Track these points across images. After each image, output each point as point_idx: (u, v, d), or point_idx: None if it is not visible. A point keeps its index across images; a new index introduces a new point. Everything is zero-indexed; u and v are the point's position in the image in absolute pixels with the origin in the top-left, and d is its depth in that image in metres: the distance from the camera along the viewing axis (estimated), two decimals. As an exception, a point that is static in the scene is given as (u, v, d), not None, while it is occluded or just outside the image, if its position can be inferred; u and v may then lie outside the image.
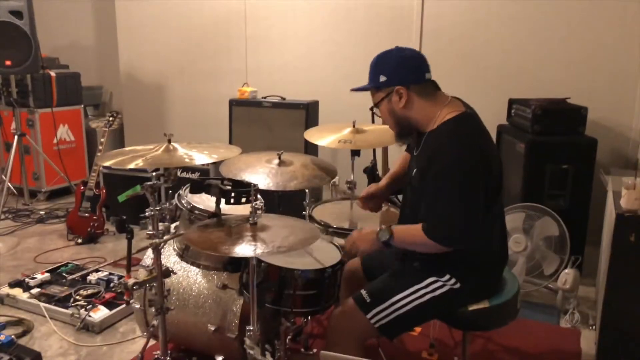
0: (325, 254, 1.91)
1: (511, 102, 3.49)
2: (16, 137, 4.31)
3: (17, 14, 3.94)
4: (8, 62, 3.96)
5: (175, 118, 4.96)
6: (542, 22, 3.55)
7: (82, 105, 4.99)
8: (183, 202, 2.14)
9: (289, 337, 2.01)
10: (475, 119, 1.76)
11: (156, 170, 1.89)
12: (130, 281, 1.80)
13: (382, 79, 1.75)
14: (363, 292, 1.76)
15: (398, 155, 2.18)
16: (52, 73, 4.65)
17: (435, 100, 1.76)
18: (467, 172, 1.63)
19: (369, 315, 1.72)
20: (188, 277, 2.18)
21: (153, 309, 1.92)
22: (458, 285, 1.73)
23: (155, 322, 2.00)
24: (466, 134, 1.70)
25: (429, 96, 1.76)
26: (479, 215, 1.66)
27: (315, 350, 2.30)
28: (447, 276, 1.74)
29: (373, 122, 3.58)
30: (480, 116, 1.79)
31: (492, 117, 1.74)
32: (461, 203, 1.63)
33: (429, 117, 1.75)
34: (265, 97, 4.06)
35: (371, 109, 1.90)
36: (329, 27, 4.19)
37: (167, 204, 2.03)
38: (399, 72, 1.75)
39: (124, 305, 2.70)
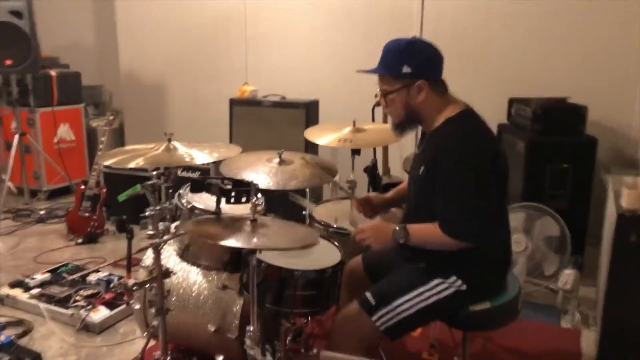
0: (325, 254, 1.91)
1: (511, 102, 3.48)
2: (17, 136, 4.30)
3: (17, 14, 3.93)
4: (8, 62, 3.96)
5: (176, 117, 4.95)
6: (542, 22, 3.55)
7: (83, 105, 4.99)
8: (183, 201, 2.14)
9: (289, 337, 2.01)
10: (478, 115, 1.76)
11: (156, 169, 1.89)
12: (130, 282, 1.81)
13: (406, 69, 1.69)
14: (368, 294, 1.75)
15: (398, 154, 2.18)
16: (53, 72, 4.65)
17: (446, 98, 1.76)
18: (478, 167, 1.63)
19: (374, 318, 1.71)
20: (188, 277, 2.17)
21: (153, 310, 1.92)
22: (464, 287, 1.72)
23: (155, 323, 1.99)
24: (473, 130, 1.70)
25: (441, 95, 1.75)
26: (493, 209, 1.65)
27: (315, 351, 2.30)
28: (453, 277, 1.72)
29: (373, 120, 3.59)
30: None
31: (492, 117, 1.74)
32: (475, 198, 1.63)
33: (436, 114, 1.74)
34: (265, 97, 4.05)
35: (383, 94, 1.79)
36: (329, 27, 4.18)
37: (168, 203, 2.02)
38: (427, 67, 1.72)
39: (124, 306, 2.70)
